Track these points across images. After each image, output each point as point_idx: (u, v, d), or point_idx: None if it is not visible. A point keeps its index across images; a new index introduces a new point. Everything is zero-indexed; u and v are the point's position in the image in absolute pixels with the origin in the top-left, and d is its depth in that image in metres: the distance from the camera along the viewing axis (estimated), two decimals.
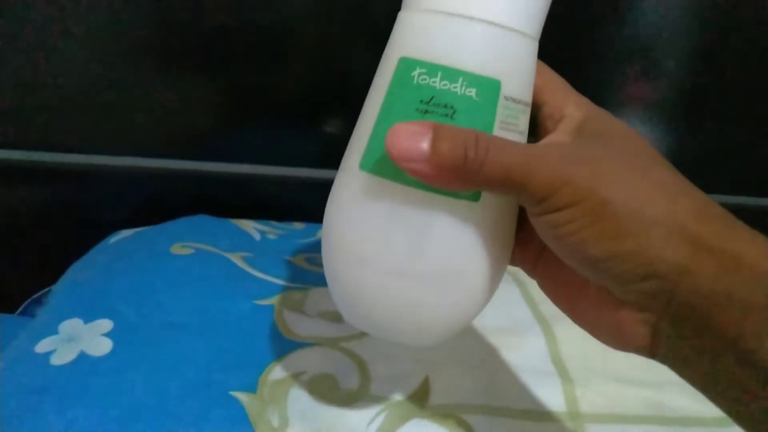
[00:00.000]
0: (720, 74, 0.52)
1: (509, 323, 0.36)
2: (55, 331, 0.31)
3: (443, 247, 0.19)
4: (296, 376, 0.29)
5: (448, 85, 0.18)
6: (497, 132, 0.19)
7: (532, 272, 0.23)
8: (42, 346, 0.30)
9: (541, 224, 0.18)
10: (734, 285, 0.16)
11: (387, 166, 0.19)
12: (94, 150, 0.50)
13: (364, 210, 0.20)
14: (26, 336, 0.32)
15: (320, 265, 0.41)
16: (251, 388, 0.29)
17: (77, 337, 0.31)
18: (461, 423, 0.28)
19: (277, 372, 0.30)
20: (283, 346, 0.32)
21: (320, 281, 0.39)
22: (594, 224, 0.17)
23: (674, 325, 0.18)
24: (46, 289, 0.41)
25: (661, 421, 0.30)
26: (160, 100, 0.49)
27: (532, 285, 0.40)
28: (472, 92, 0.18)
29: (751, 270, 0.16)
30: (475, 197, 0.19)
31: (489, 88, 0.19)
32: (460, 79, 0.18)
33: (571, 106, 0.21)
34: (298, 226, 0.50)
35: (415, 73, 0.19)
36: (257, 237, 0.45)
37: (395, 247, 0.19)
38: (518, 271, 0.43)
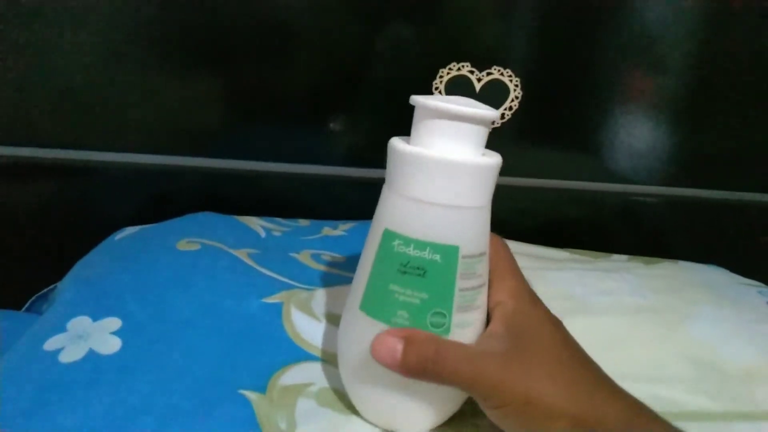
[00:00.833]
0: (724, 70, 0.52)
1: None
2: (63, 329, 0.32)
3: None
4: (305, 386, 0.30)
5: (419, 253, 0.25)
6: (459, 282, 0.25)
7: None
8: (50, 344, 0.31)
9: (484, 411, 0.25)
10: None
11: (377, 311, 0.26)
12: (99, 147, 0.50)
13: (363, 340, 0.26)
14: (34, 334, 0.32)
15: (324, 262, 0.41)
16: (261, 389, 0.29)
17: (86, 335, 0.31)
18: (464, 422, 0.29)
19: (286, 378, 0.30)
20: (292, 352, 0.32)
21: (325, 280, 0.39)
22: (519, 417, 0.24)
23: None
24: (52, 285, 0.41)
25: (666, 416, 0.30)
26: (165, 97, 0.49)
27: (536, 283, 0.41)
28: (437, 257, 0.24)
29: None
30: (446, 331, 0.25)
31: (450, 253, 0.25)
32: (428, 249, 0.24)
33: (505, 294, 0.27)
34: (303, 222, 0.50)
35: (395, 243, 0.25)
36: (263, 234, 0.45)
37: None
38: (522, 269, 0.44)
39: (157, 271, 0.36)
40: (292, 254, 0.42)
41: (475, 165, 0.24)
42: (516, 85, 0.51)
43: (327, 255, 0.43)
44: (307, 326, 0.34)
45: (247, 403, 0.28)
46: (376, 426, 0.28)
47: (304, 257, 0.42)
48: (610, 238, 0.57)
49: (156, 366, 0.30)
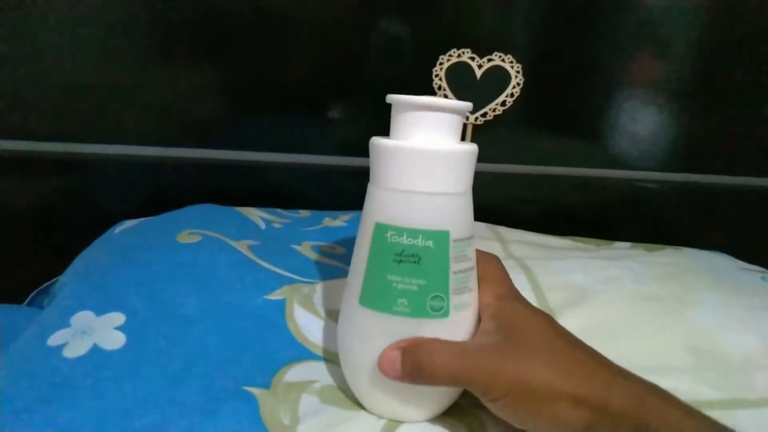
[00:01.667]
0: (727, 55, 0.51)
1: None
2: (67, 324, 0.32)
3: None
4: (308, 383, 0.30)
5: (413, 240, 0.26)
6: (453, 265, 0.26)
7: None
8: (54, 339, 0.31)
9: (486, 405, 0.26)
10: None
11: (378, 303, 0.26)
12: (98, 139, 0.50)
13: (363, 331, 0.27)
14: (38, 329, 0.32)
15: (325, 254, 0.41)
16: (265, 385, 0.30)
17: (90, 330, 0.31)
18: (466, 415, 0.29)
19: (290, 375, 0.31)
20: (296, 350, 0.32)
21: (326, 273, 0.39)
22: (520, 406, 0.24)
23: None
24: (53, 279, 0.41)
25: None
26: (164, 89, 0.49)
27: (539, 272, 0.40)
28: (430, 243, 0.26)
29: (647, 429, 0.23)
30: (445, 314, 0.26)
31: (441, 238, 0.26)
32: (420, 236, 0.26)
33: (494, 297, 0.28)
34: (304, 213, 0.49)
35: (388, 234, 0.26)
36: (262, 225, 0.45)
37: None
38: (525, 258, 0.44)
39: (159, 264, 0.36)
40: (293, 246, 0.42)
41: (460, 152, 0.26)
42: (518, 72, 0.50)
43: (328, 246, 0.43)
44: (309, 324, 0.34)
45: (251, 399, 0.28)
46: (380, 417, 0.28)
47: (305, 249, 0.42)
48: (613, 225, 0.57)
49: (160, 362, 0.30)
